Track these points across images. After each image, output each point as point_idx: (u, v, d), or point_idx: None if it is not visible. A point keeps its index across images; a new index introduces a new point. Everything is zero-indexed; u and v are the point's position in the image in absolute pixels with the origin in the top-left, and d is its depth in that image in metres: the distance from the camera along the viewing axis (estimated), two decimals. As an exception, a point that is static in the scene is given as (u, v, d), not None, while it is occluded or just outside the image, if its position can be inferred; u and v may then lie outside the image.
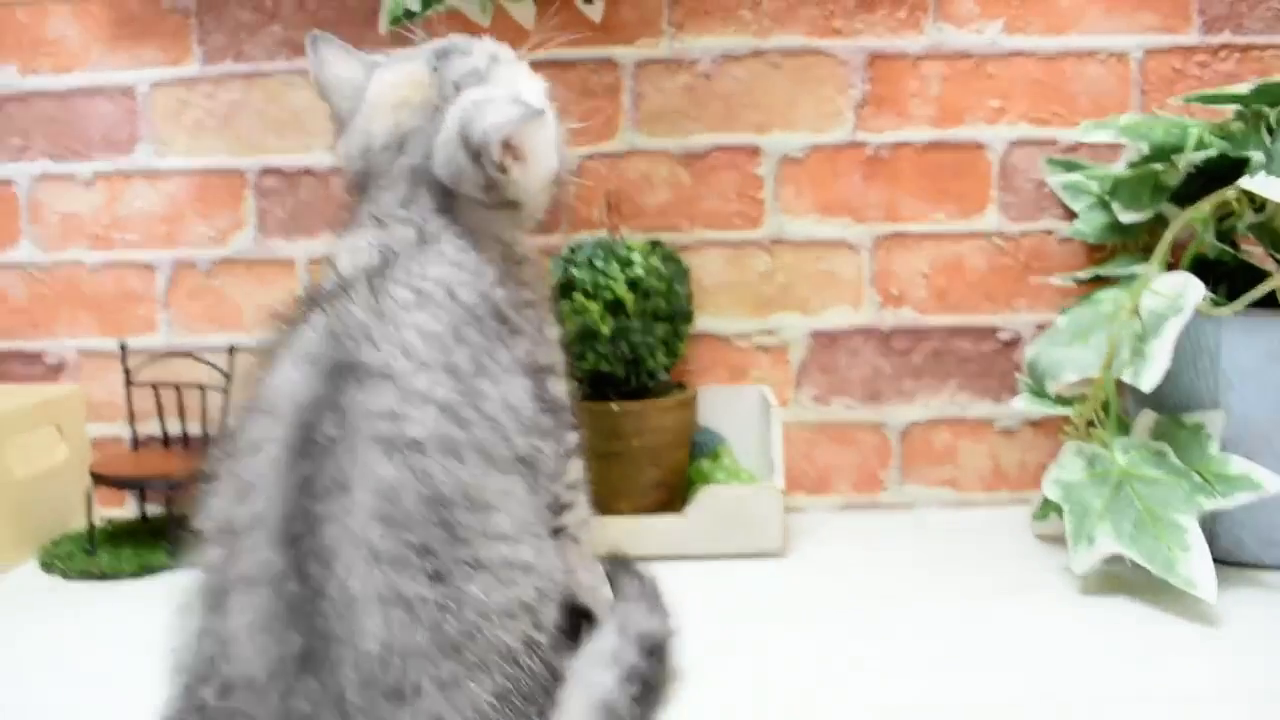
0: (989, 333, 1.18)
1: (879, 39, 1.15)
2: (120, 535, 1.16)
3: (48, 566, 1.11)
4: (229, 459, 0.64)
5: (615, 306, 1.03)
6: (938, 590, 0.96)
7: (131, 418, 1.20)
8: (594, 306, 1.03)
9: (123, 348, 1.19)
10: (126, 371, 1.19)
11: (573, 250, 1.06)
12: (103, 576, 1.08)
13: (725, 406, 1.17)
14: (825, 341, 1.18)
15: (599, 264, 1.04)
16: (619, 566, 0.82)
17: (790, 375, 1.18)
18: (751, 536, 1.05)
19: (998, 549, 1.06)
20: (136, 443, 1.21)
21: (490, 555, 0.61)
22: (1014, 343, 1.18)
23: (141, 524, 1.18)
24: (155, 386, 1.20)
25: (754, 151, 1.16)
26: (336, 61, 0.79)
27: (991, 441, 1.19)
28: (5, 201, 1.23)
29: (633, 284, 1.03)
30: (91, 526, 1.13)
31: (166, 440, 1.21)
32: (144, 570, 1.09)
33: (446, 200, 0.73)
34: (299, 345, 0.66)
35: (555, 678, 0.63)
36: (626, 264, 1.04)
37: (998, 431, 1.19)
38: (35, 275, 1.24)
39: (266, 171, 1.20)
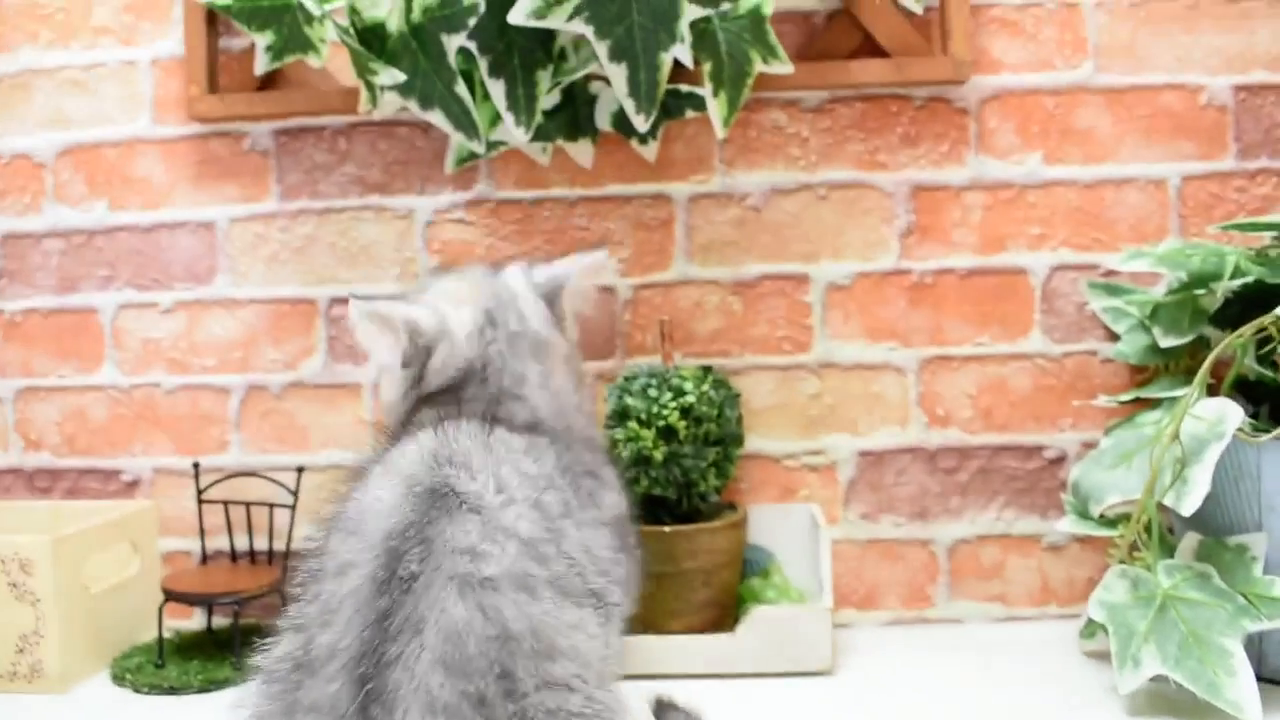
0: (1035, 451, 1.20)
1: (922, 171, 1.20)
2: (188, 647, 1.21)
3: (119, 679, 1.15)
4: (314, 578, 0.68)
5: (668, 433, 1.07)
6: (987, 708, 0.97)
7: (202, 534, 1.25)
8: (648, 434, 1.07)
9: (195, 466, 1.25)
10: (199, 490, 1.24)
11: (627, 379, 1.11)
12: (171, 691, 1.12)
13: (775, 524, 1.20)
14: (873, 461, 1.21)
15: (652, 393, 1.08)
16: (666, 708, 0.84)
17: (839, 494, 1.21)
18: (800, 655, 1.07)
19: (1046, 666, 1.07)
20: (205, 557, 1.26)
21: (547, 703, 0.63)
22: (1059, 460, 1.20)
23: (208, 636, 1.23)
24: (225, 504, 1.25)
25: (802, 279, 1.21)
26: (373, 340, 0.84)
27: (1039, 557, 1.21)
28: (91, 328, 1.31)
29: (685, 411, 1.07)
30: (161, 641, 1.18)
31: (234, 555, 1.26)
32: (210, 685, 1.13)
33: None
34: (398, 463, 0.70)
35: None
36: (679, 393, 1.08)
37: (1045, 548, 1.20)
38: (115, 396, 1.31)
39: (336, 300, 1.26)
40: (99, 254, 1.30)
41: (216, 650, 1.19)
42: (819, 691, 1.04)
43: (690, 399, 1.08)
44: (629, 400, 1.09)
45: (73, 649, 1.14)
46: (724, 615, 1.12)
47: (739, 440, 1.14)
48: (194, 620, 1.31)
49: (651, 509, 1.10)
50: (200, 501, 1.25)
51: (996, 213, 1.20)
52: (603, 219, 1.22)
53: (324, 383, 1.27)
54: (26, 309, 1.32)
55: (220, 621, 1.25)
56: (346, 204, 1.25)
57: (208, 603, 1.19)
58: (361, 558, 0.65)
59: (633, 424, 1.07)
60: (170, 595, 1.17)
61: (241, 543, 1.26)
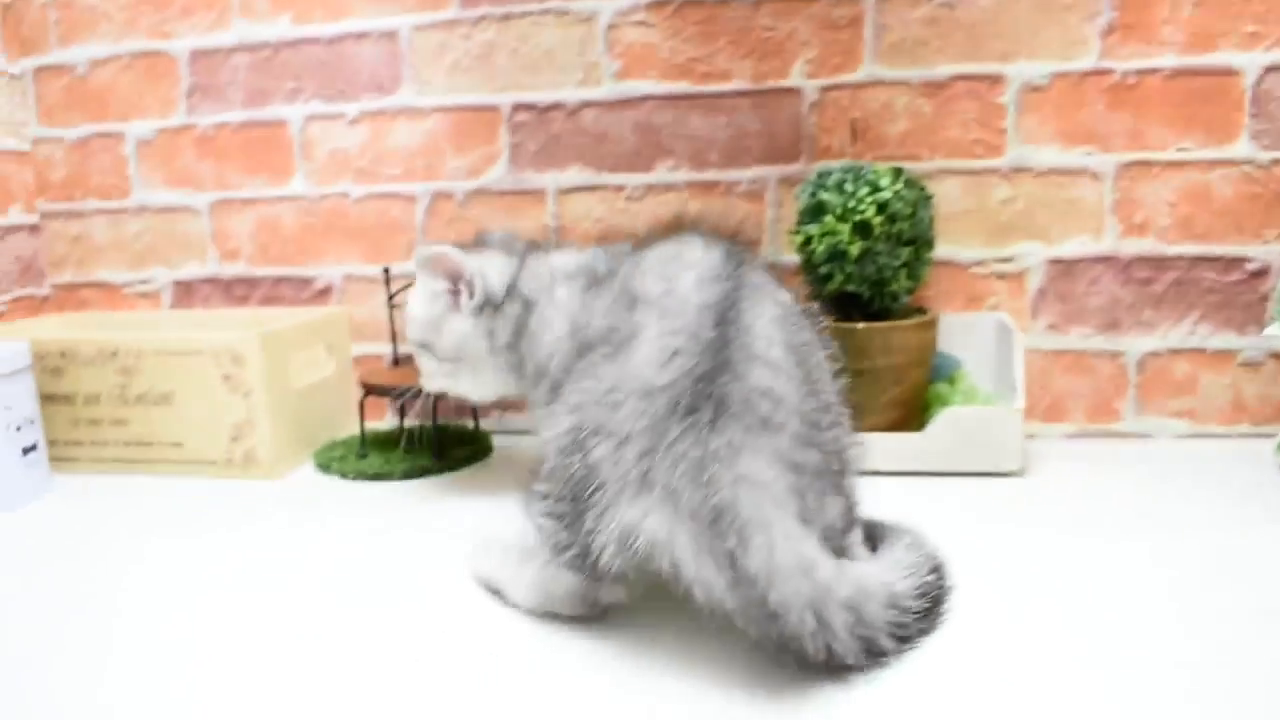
0: (1236, 263, 1.16)
1: (1129, -36, 1.14)
2: (384, 443, 1.27)
3: (324, 468, 1.22)
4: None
5: (863, 229, 1.06)
6: (1178, 519, 0.95)
7: (393, 336, 1.29)
8: (843, 228, 1.06)
9: (386, 272, 1.28)
10: (390, 294, 1.28)
11: (821, 175, 1.09)
12: (375, 477, 1.18)
13: (962, 332, 1.19)
14: (1063, 270, 1.19)
15: (849, 188, 1.07)
16: (876, 528, 0.86)
17: (1027, 303, 1.19)
18: (991, 456, 1.07)
19: (1237, 482, 1.05)
20: (396, 359, 1.31)
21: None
22: (1262, 273, 1.16)
23: (400, 433, 1.28)
24: (413, 309, 1.29)
25: (996, 80, 1.17)
26: None
27: (1234, 374, 1.17)
28: (280, 140, 1.34)
29: (880, 207, 1.06)
30: (363, 432, 1.24)
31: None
32: (411, 473, 1.18)
33: None
34: (696, 259, 0.79)
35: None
36: (875, 188, 1.06)
37: (1240, 364, 1.17)
38: (305, 206, 1.35)
39: (519, 107, 1.27)
40: (285, 67, 1.33)
41: (410, 445, 1.24)
42: (1009, 491, 1.04)
43: (886, 195, 1.06)
44: (824, 195, 1.08)
45: (281, 439, 1.21)
46: (910, 416, 1.13)
47: (930, 243, 1.12)
48: (385, 421, 1.37)
49: (843, 306, 1.10)
50: (391, 306, 1.29)
51: (1208, 9, 1.13)
52: (788, 19, 1.20)
53: (508, 189, 1.29)
54: (218, 124, 1.36)
55: (409, 422, 1.30)
56: (527, 9, 1.25)
57: (402, 394, 1.23)
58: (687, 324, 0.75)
59: (829, 219, 1.07)
60: (370, 389, 1.22)
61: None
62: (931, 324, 1.13)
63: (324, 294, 1.36)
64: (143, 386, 1.23)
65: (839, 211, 1.07)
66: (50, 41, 1.40)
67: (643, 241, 0.89)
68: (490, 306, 0.98)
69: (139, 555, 0.98)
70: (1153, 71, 1.15)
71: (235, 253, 1.39)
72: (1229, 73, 1.14)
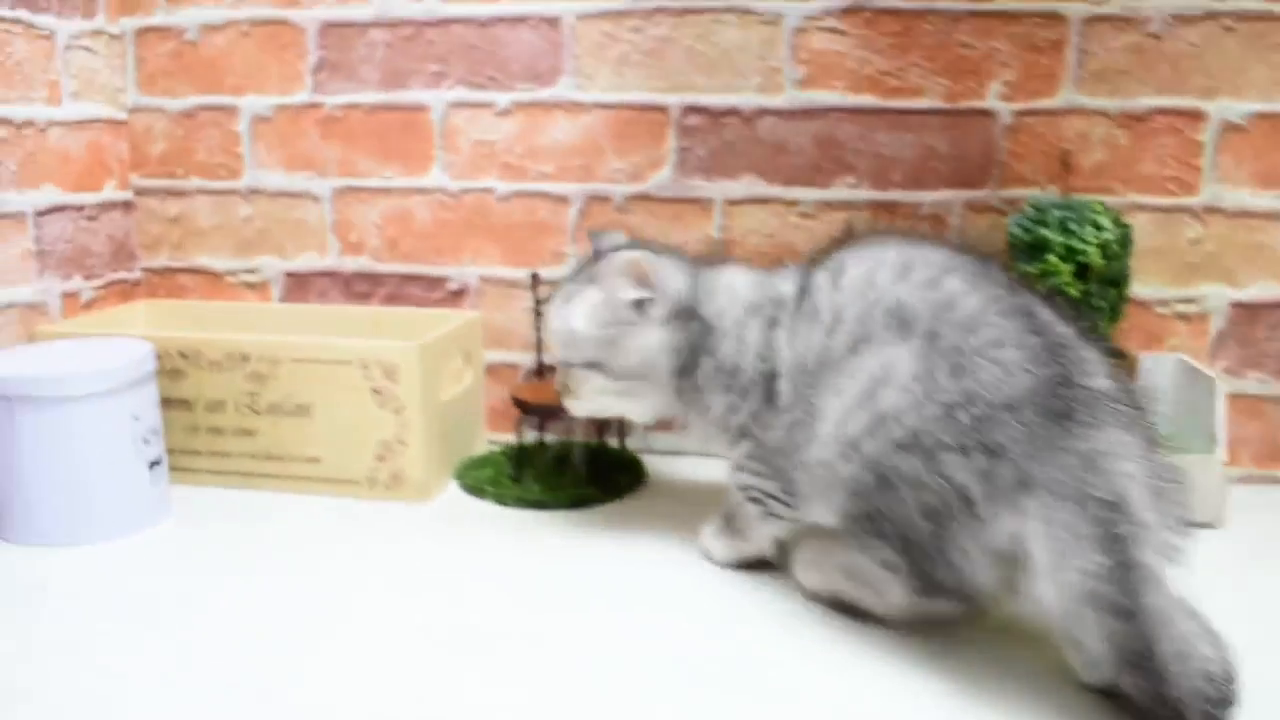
0: None
1: (1343, 4, 1.11)
2: (527, 461, 1.20)
3: (476, 491, 1.15)
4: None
5: (1084, 271, 1.03)
6: None
7: (539, 346, 1.22)
8: (1065, 269, 1.03)
9: (534, 277, 1.21)
10: (536, 301, 1.21)
11: (1038, 210, 1.05)
12: (539, 505, 1.12)
13: (1143, 371, 1.17)
14: (1247, 314, 1.17)
15: (1073, 226, 1.03)
16: None
17: (1207, 345, 1.18)
18: (1191, 506, 1.06)
19: None
20: (540, 371, 1.24)
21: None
22: None
23: (541, 450, 1.21)
24: (561, 318, 1.21)
25: (1197, 116, 1.14)
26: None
27: (1401, 421, 1.18)
28: (418, 127, 1.25)
29: (1103, 249, 1.03)
30: (520, 452, 1.17)
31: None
32: (578, 501, 1.12)
33: None
34: (939, 262, 0.82)
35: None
36: (1098, 228, 1.03)
37: None
38: (443, 200, 1.26)
39: (690, 109, 1.19)
40: (430, 48, 1.23)
41: (562, 467, 1.17)
42: (1209, 544, 1.03)
43: (1109, 235, 1.03)
44: (1045, 233, 1.04)
45: (431, 458, 1.14)
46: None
47: (1129, 282, 1.09)
48: (521, 437, 1.30)
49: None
50: (538, 314, 1.21)
51: None
52: (989, 37, 1.14)
53: (671, 196, 1.21)
54: (348, 104, 1.26)
55: (550, 439, 1.23)
56: (708, 5, 1.17)
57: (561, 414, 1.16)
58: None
59: (1052, 259, 1.03)
60: (526, 408, 1.15)
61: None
62: (1129, 370, 1.10)
63: (457, 296, 1.28)
64: (277, 395, 1.13)
65: (1061, 251, 1.03)
66: (158, 0, 1.27)
67: (818, 255, 0.91)
68: (678, 319, 0.92)
69: (285, 581, 0.91)
70: (1352, 116, 1.13)
71: (359, 245, 1.29)
72: None
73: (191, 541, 1.02)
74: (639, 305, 0.92)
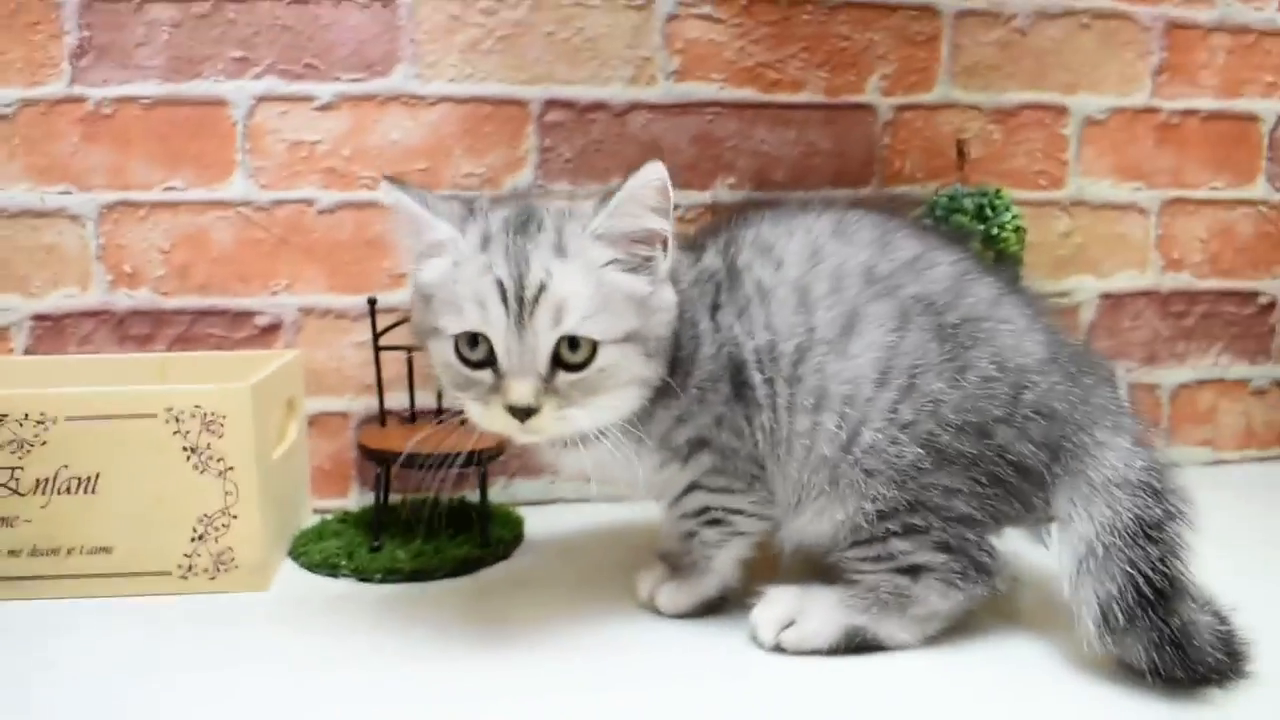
0: (1250, 297, 1.21)
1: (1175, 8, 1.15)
2: (362, 526, 0.98)
3: (328, 569, 0.91)
4: None
5: (1002, 257, 0.98)
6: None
7: (380, 387, 1.01)
8: (989, 255, 0.98)
9: (372, 303, 0.99)
10: (375, 333, 1.00)
11: (951, 198, 0.99)
12: (412, 576, 0.90)
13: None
14: (1113, 304, 1.18)
15: (989, 212, 0.98)
16: None
17: (1080, 337, 1.17)
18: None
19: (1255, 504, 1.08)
20: (384, 419, 1.02)
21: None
22: (1270, 307, 1.22)
23: (383, 511, 0.98)
24: (410, 349, 1.00)
25: (1061, 110, 1.14)
26: None
27: (1246, 402, 1.22)
28: (215, 125, 1.01)
29: (1017, 232, 0.99)
30: (379, 513, 0.95)
31: (414, 415, 1.03)
32: (463, 565, 0.92)
33: None
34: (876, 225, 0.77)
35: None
36: (1013, 213, 0.99)
37: (1251, 392, 1.23)
38: (250, 217, 1.02)
39: (553, 104, 1.04)
40: (230, 29, 1.00)
41: (407, 529, 0.96)
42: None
43: (1020, 220, 0.99)
44: (962, 219, 0.98)
45: (267, 532, 0.89)
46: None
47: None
48: (349, 499, 1.07)
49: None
50: (378, 348, 1.00)
51: (1238, 57, 1.18)
52: (866, 29, 1.08)
53: (536, 204, 1.05)
54: (120, 97, 1.00)
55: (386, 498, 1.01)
56: (570, -13, 1.03)
57: (440, 465, 0.94)
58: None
59: (974, 245, 0.97)
60: (385, 458, 0.93)
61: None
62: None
63: (268, 333, 1.04)
64: (47, 468, 0.85)
65: (981, 238, 0.97)
66: None
67: (713, 234, 0.80)
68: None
69: None
70: (1193, 113, 1.17)
71: (136, 276, 1.02)
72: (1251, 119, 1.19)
73: None
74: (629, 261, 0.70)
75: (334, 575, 0.91)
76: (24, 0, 0.98)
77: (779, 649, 0.72)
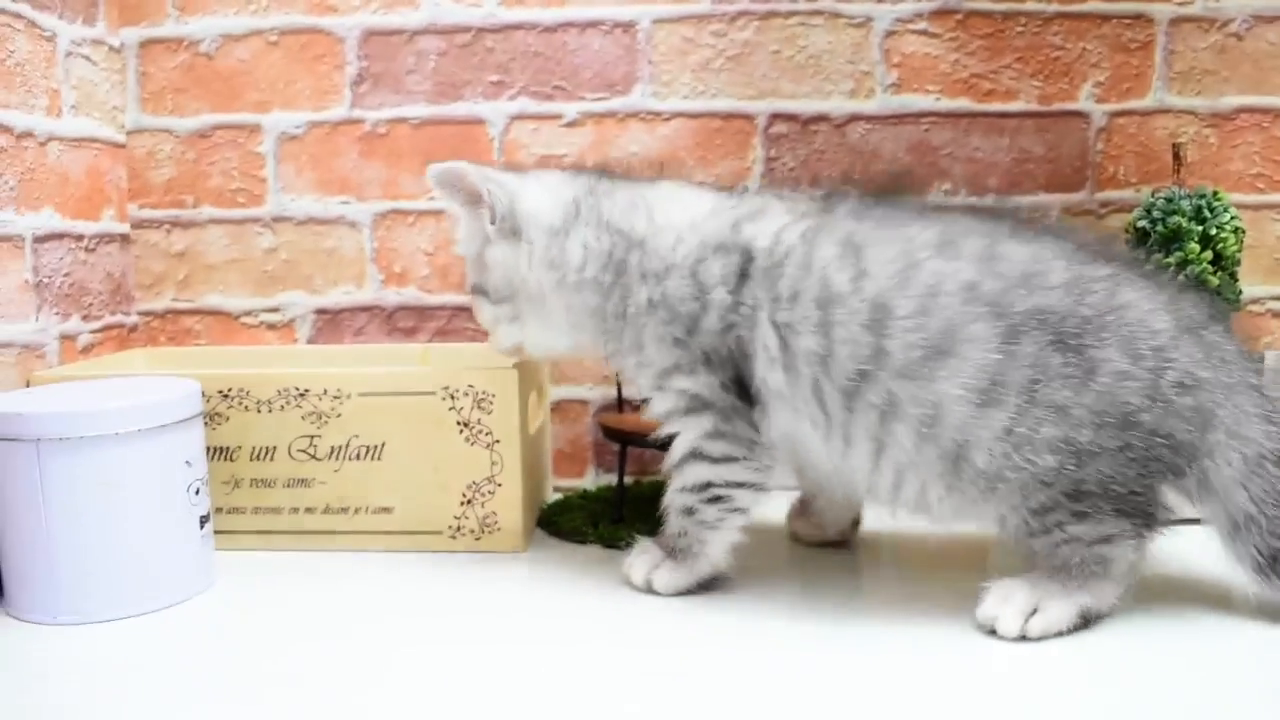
0: None
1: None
2: (602, 502, 1.06)
3: (577, 536, 1.00)
4: None
5: (1218, 260, 1.00)
6: None
7: (619, 378, 1.10)
8: (1205, 256, 0.99)
9: (611, 302, 1.09)
10: (614, 328, 1.09)
11: (1169, 200, 1.02)
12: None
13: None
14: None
15: (1207, 214, 1.00)
16: None
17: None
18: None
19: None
20: (621, 405, 1.11)
21: None
22: None
23: (622, 487, 1.06)
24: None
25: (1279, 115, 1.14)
26: None
27: None
28: (477, 140, 1.13)
29: (1237, 233, 1.00)
30: (621, 490, 1.03)
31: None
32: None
33: None
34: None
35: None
36: (1232, 214, 1.00)
37: None
38: (503, 223, 1.13)
39: (777, 116, 1.12)
40: (488, 56, 1.12)
41: (648, 504, 1.04)
42: None
43: (1239, 221, 1.00)
44: (1180, 221, 1.00)
45: (525, 501, 0.99)
46: None
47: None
48: (584, 480, 1.16)
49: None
50: (616, 341, 1.09)
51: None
52: (1079, 38, 1.12)
53: (760, 210, 1.13)
54: (392, 118, 1.13)
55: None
56: (794, 8, 1.11)
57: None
58: None
59: (1192, 245, 0.99)
60: (625, 439, 1.02)
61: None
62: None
63: (521, 326, 1.14)
64: (340, 437, 0.97)
65: (1199, 239, 0.99)
66: (166, 8, 1.12)
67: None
68: (549, 234, 0.84)
69: (380, 643, 0.75)
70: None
71: (404, 275, 1.15)
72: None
73: (249, 608, 0.84)
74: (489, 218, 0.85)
75: (581, 543, 1.00)
76: (313, 38, 1.13)
77: (1024, 638, 0.73)
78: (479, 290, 0.89)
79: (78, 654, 0.75)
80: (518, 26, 1.12)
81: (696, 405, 0.80)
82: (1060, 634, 0.73)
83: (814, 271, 0.75)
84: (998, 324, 0.71)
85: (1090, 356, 0.71)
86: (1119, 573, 0.75)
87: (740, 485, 0.81)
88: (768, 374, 0.77)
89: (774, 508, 0.91)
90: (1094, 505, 0.73)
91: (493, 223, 0.85)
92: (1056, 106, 1.13)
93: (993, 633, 0.73)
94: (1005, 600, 0.74)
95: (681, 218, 0.82)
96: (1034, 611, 0.73)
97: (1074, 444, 0.71)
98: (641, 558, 0.86)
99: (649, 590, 0.84)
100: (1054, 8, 1.12)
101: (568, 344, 0.88)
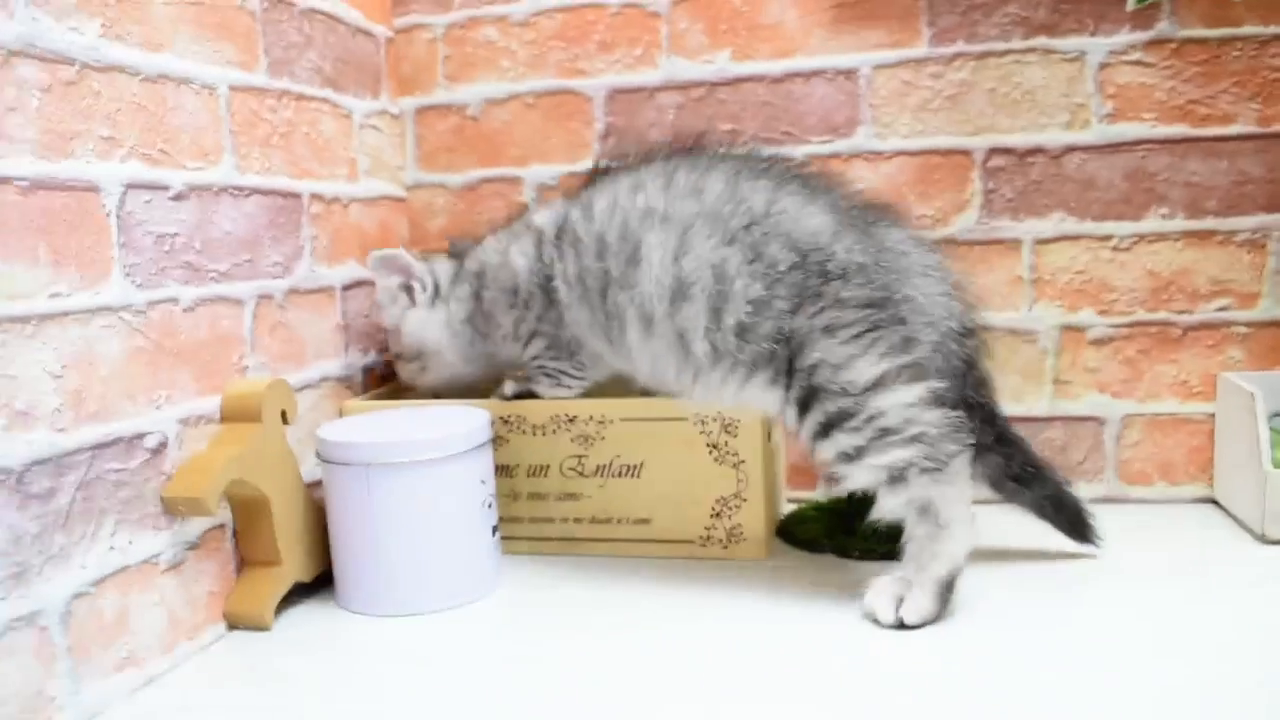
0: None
1: None
2: (834, 513, 1.15)
3: (812, 546, 1.10)
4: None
5: None
6: None
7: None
8: None
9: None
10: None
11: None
12: (886, 556, 1.06)
13: None
14: None
15: None
16: None
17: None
18: None
19: None
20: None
21: None
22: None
23: (855, 500, 1.15)
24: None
25: None
26: None
27: None
28: (710, 185, 1.24)
29: None
30: (853, 501, 1.12)
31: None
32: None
33: None
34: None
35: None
36: None
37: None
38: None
39: (995, 151, 1.19)
40: (721, 107, 1.24)
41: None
42: None
43: None
44: None
45: (767, 513, 1.09)
46: None
47: None
48: (815, 491, 1.26)
49: None
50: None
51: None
52: (1300, 60, 1.14)
53: (978, 238, 1.20)
54: (635, 166, 1.25)
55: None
56: (1009, 47, 1.18)
57: None
58: None
59: None
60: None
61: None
62: None
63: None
64: (604, 457, 1.10)
65: None
66: (437, 79, 1.29)
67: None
68: (465, 287, 1.14)
69: (637, 641, 0.87)
70: None
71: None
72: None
73: (530, 606, 0.98)
74: (409, 291, 1.14)
75: (817, 552, 1.10)
76: (565, 99, 1.27)
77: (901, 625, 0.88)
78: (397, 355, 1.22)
79: (396, 640, 0.92)
80: (747, 79, 1.22)
81: (532, 335, 1.11)
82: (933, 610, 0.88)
83: (569, 229, 1.03)
84: (670, 231, 0.95)
85: (760, 252, 0.91)
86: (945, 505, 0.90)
87: (565, 373, 1.10)
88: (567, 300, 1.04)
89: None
90: (855, 406, 0.91)
91: (428, 293, 1.17)
92: (1277, 128, 1.15)
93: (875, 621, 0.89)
94: (879, 592, 0.90)
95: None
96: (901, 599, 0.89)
97: (783, 332, 0.91)
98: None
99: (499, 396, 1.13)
100: (1272, 29, 1.14)
101: (455, 374, 1.18)
